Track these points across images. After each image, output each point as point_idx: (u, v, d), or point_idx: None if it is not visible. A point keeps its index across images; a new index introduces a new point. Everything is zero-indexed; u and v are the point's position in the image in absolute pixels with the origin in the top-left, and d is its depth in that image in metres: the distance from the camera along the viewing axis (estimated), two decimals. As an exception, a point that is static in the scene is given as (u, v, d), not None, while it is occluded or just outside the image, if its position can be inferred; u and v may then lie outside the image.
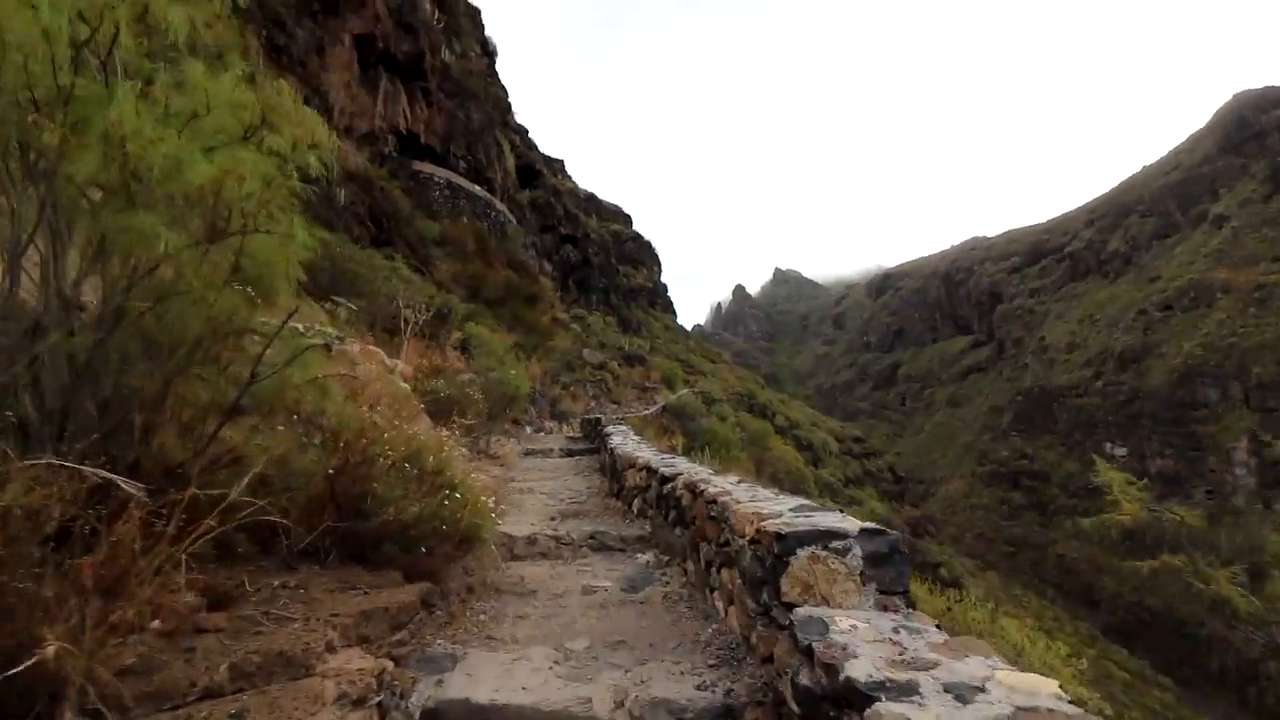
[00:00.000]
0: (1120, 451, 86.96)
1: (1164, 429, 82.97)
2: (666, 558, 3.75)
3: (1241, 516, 73.79)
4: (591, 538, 3.94)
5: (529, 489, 6.17)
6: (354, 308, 8.36)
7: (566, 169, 74.65)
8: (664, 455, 4.83)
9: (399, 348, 10.46)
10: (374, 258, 10.64)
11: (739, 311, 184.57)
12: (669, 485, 3.76)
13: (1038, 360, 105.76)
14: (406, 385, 6.92)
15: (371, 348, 7.08)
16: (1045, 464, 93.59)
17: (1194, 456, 79.89)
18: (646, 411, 21.24)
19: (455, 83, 34.15)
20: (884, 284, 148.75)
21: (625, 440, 6.25)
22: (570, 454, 8.89)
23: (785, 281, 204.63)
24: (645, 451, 5.13)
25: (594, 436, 9.98)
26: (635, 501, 4.66)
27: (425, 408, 7.54)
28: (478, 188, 32.27)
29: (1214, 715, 53.65)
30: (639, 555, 3.79)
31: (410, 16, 29.07)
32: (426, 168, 29.91)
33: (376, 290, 9.31)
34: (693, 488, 3.23)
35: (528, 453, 8.91)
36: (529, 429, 13.85)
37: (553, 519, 4.83)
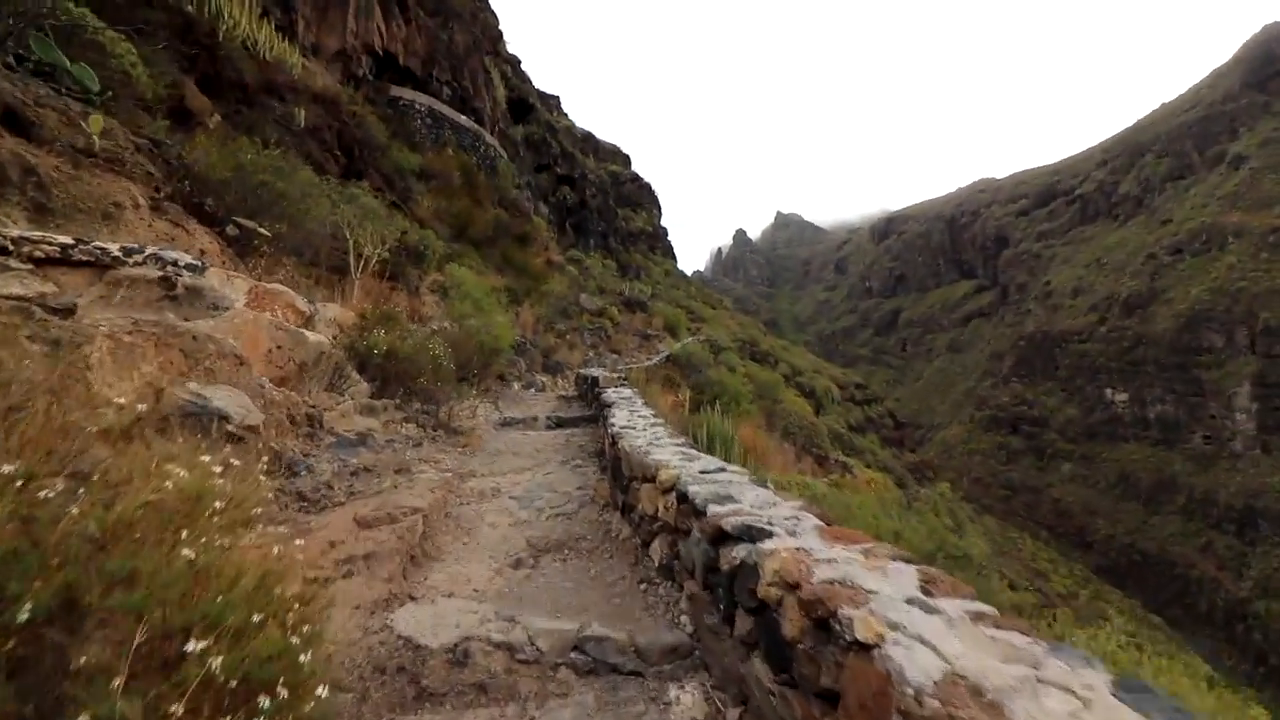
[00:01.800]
0: (1120, 397, 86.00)
1: (1166, 375, 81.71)
2: (727, 699, 1.79)
3: (1239, 460, 73.41)
4: (578, 648, 1.98)
5: (493, 490, 4.17)
6: (266, 234, 6.21)
7: (562, 106, 70.55)
8: (701, 461, 2.81)
9: (347, 289, 8.33)
10: (310, 176, 8.37)
11: (740, 256, 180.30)
12: (734, 553, 1.77)
13: (1041, 305, 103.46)
14: (323, 339, 4.86)
15: (276, 287, 4.97)
16: (1045, 409, 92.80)
17: (1194, 402, 78.90)
18: (649, 362, 19.23)
19: (437, -1, 30.68)
20: (887, 228, 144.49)
21: (632, 420, 4.23)
22: (559, 424, 6.89)
23: (786, 225, 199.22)
24: (665, 450, 3.10)
25: (591, 399, 8.00)
26: (657, 545, 2.67)
27: (358, 369, 5.50)
28: (464, 117, 29.30)
29: (1201, 650, 54.30)
30: (671, 693, 1.82)
31: (382, -82, 25.54)
32: (406, 93, 26.94)
33: (305, 215, 7.11)
34: (816, 606, 1.25)
35: (505, 423, 6.91)
36: (516, 385, 11.85)
37: (515, 566, 2.84)
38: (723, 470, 2.54)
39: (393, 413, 5.62)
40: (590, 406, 7.88)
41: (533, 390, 12.18)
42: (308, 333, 4.72)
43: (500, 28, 50.15)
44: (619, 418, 4.43)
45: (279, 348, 4.20)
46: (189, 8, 16.12)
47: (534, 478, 4.50)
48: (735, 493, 2.18)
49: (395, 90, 26.59)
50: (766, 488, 2.31)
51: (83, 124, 4.79)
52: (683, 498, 2.31)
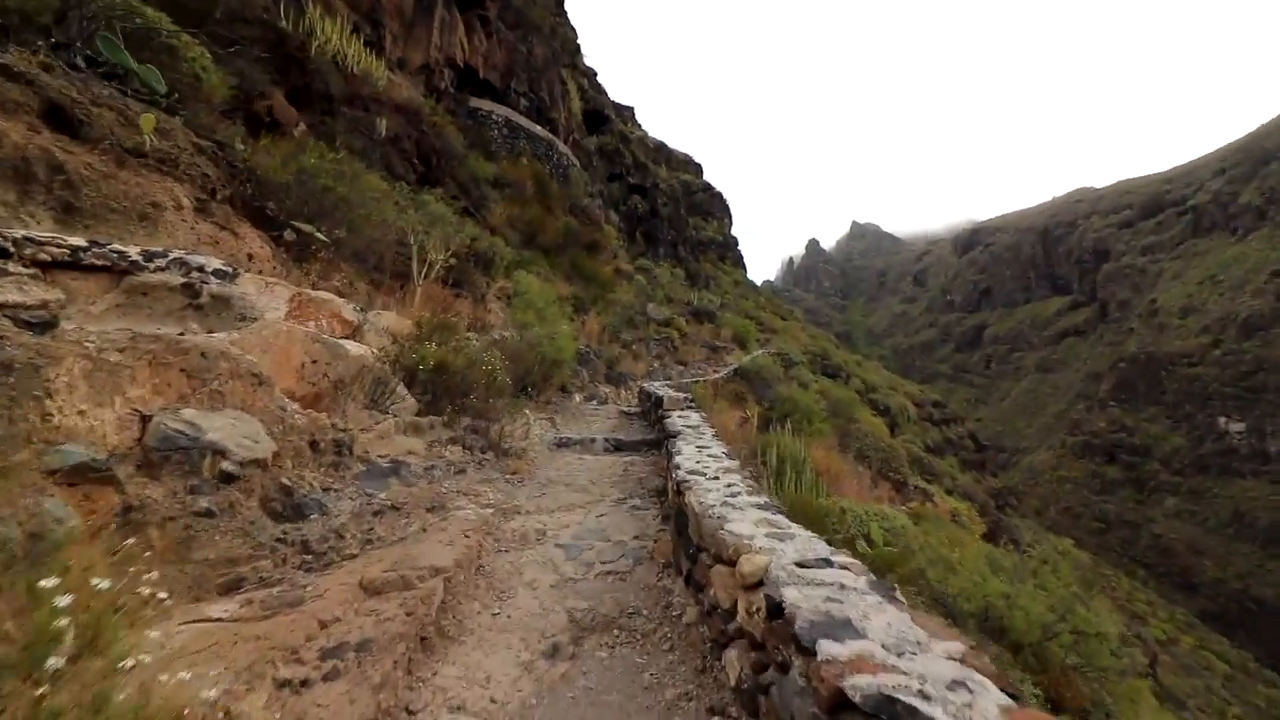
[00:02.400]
0: (1236, 427, 78.14)
1: (1291, 404, 73.63)
2: None
3: (1381, 504, 65.16)
4: None
5: (537, 534, 3.60)
6: (324, 239, 5.94)
7: (636, 117, 70.88)
8: (796, 541, 2.11)
9: (409, 296, 8.06)
10: (377, 182, 8.16)
11: (812, 266, 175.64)
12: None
13: (1145, 325, 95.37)
14: (366, 351, 4.45)
15: (322, 294, 4.62)
16: (1147, 437, 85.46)
17: (1325, 435, 70.60)
18: (717, 375, 18.46)
19: (517, 12, 31.11)
20: (972, 239, 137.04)
21: (701, 462, 3.55)
22: (618, 448, 6.29)
23: (862, 236, 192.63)
24: (745, 517, 2.42)
25: (653, 419, 7.38)
26: (733, 655, 1.99)
27: (406, 383, 5.08)
28: (539, 128, 29.49)
29: None
30: None
31: (466, -66, 26.07)
32: (485, 104, 27.34)
33: (367, 220, 6.83)
34: None
35: (560, 443, 6.37)
36: (577, 397, 11.38)
37: (551, 655, 2.23)
38: (829, 564, 1.84)
39: (440, 431, 5.18)
40: (653, 428, 7.25)
41: (594, 403, 11.69)
42: (349, 344, 4.31)
43: (578, 41, 50.88)
44: (685, 455, 3.77)
45: (313, 362, 3.79)
46: (282, 24, 16.74)
47: (585, 519, 3.89)
48: (855, 612, 1.48)
49: (475, 101, 27.03)
50: (897, 600, 1.60)
51: (139, 123, 4.60)
52: (776, 609, 1.63)
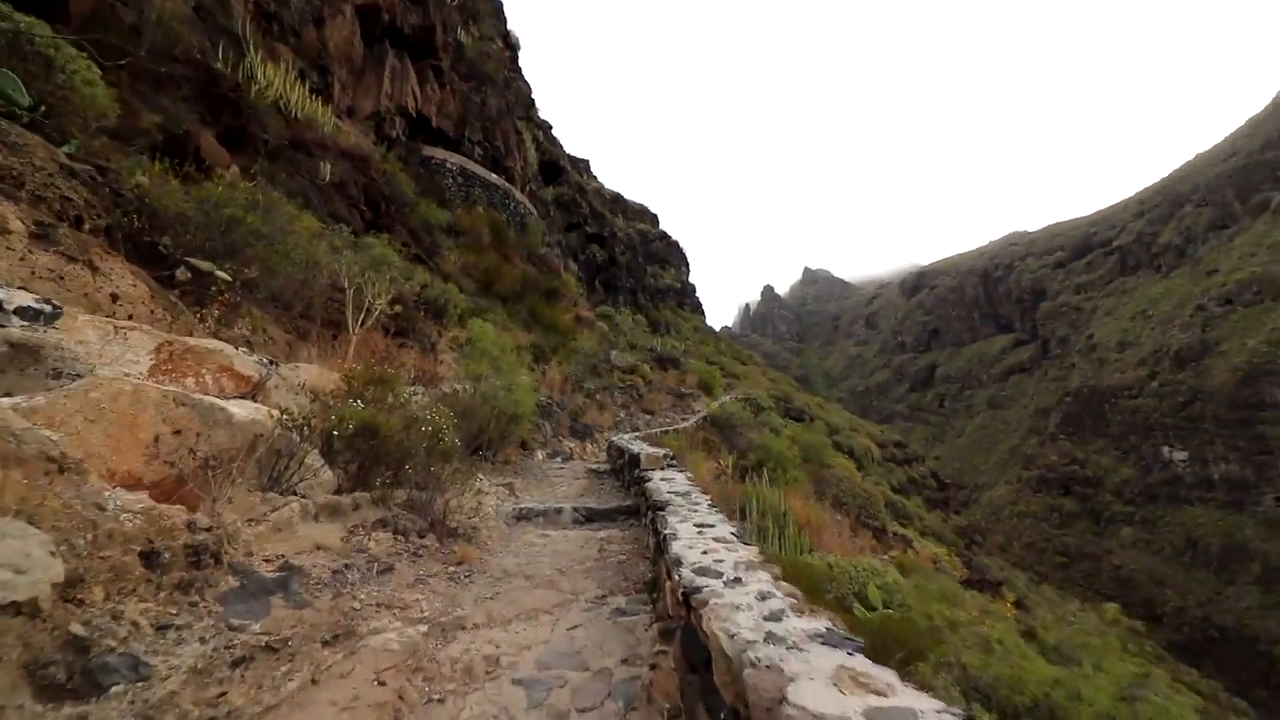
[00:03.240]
0: (1180, 455, 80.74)
1: (1228, 431, 76.73)
2: None
3: (1320, 524, 67.63)
4: None
5: (487, 665, 2.55)
6: (226, 278, 4.90)
7: (591, 169, 71.73)
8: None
9: (342, 346, 6.98)
10: (305, 219, 7.19)
11: (768, 312, 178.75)
12: None
13: (1086, 360, 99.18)
14: (261, 416, 3.40)
15: (208, 343, 3.58)
16: (1098, 469, 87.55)
17: (1262, 460, 73.58)
18: (686, 424, 17.56)
19: (470, 64, 30.98)
20: (918, 282, 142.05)
21: (712, 555, 2.60)
22: (589, 519, 5.26)
23: (815, 281, 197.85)
24: (812, 663, 1.47)
25: (628, 480, 6.40)
26: None
27: (325, 452, 4.01)
28: (494, 176, 28.97)
29: None
30: None
31: (418, -13, 25.93)
32: (438, 153, 26.71)
33: (286, 259, 5.82)
34: None
35: (520, 515, 5.30)
36: (540, 454, 10.29)
37: None
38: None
39: (366, 512, 4.10)
40: (628, 490, 6.27)
41: (559, 460, 10.61)
42: (238, 407, 3.26)
43: (532, 95, 51.37)
44: (682, 539, 2.81)
45: (174, 433, 2.74)
46: (217, 65, 15.79)
47: (554, 634, 2.86)
48: None
49: (428, 150, 26.40)
50: None
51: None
52: None
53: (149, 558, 2.16)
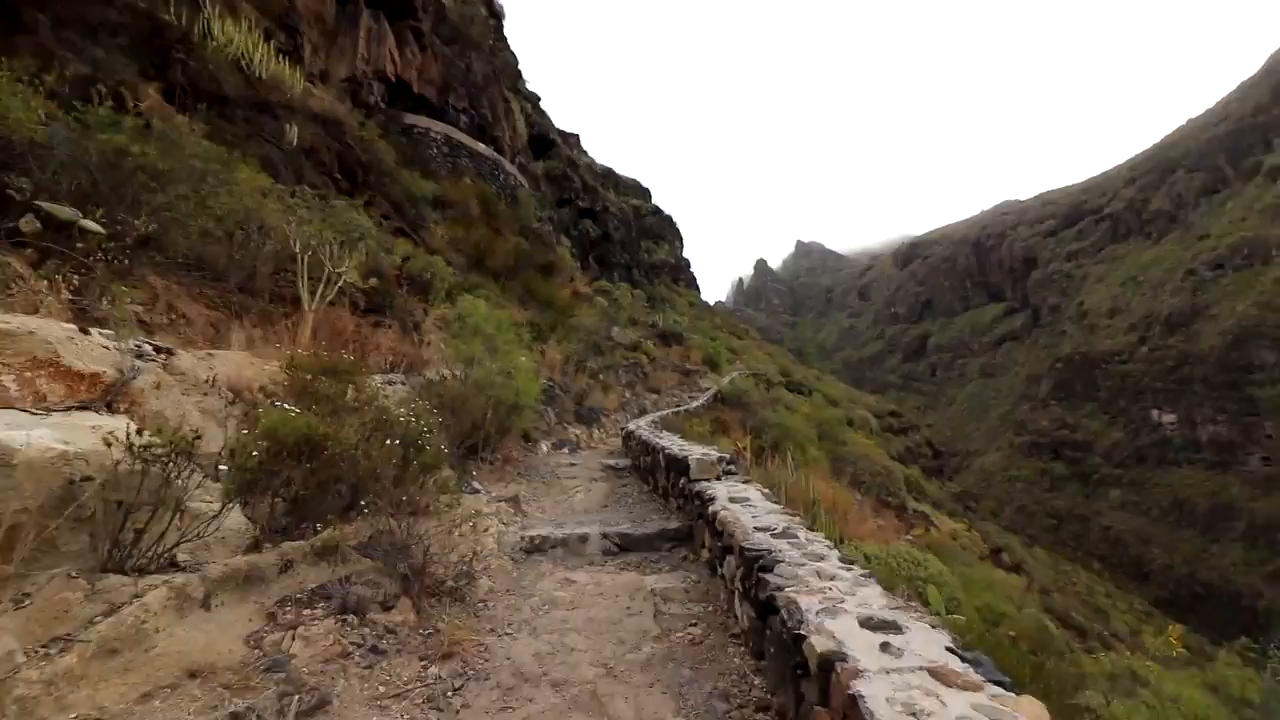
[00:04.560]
0: (1169, 418, 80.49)
1: (1216, 394, 76.37)
2: None
3: (1306, 483, 67.65)
4: None
5: None
6: (98, 230, 3.37)
7: (581, 144, 69.23)
8: None
9: (297, 327, 5.43)
10: (239, 165, 5.58)
11: (761, 286, 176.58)
12: None
13: (1077, 326, 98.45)
14: (77, 446, 1.92)
15: (19, 321, 2.07)
16: (1088, 433, 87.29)
17: (1249, 422, 73.34)
18: (696, 403, 16.17)
19: (453, 28, 28.76)
20: (911, 253, 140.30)
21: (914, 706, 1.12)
22: (623, 548, 3.83)
23: (808, 254, 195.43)
24: None
25: (662, 483, 4.97)
26: None
27: (242, 482, 2.50)
28: (482, 145, 27.02)
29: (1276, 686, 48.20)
30: None
31: (393, -60, 23.68)
32: (421, 121, 24.73)
33: (204, 210, 4.26)
34: None
35: (531, 547, 3.85)
36: (544, 446, 8.83)
37: None
38: None
39: (301, 573, 2.64)
40: (666, 502, 4.83)
41: (566, 450, 9.17)
42: (36, 432, 1.76)
43: (519, 67, 48.86)
44: (876, 693, 1.36)
45: None
46: (167, 16, 13.81)
47: None
48: None
49: (409, 118, 24.42)
50: None
51: None
52: None
53: None
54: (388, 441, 3.21)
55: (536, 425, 8.90)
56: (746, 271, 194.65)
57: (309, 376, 4.00)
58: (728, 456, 4.26)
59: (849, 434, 19.64)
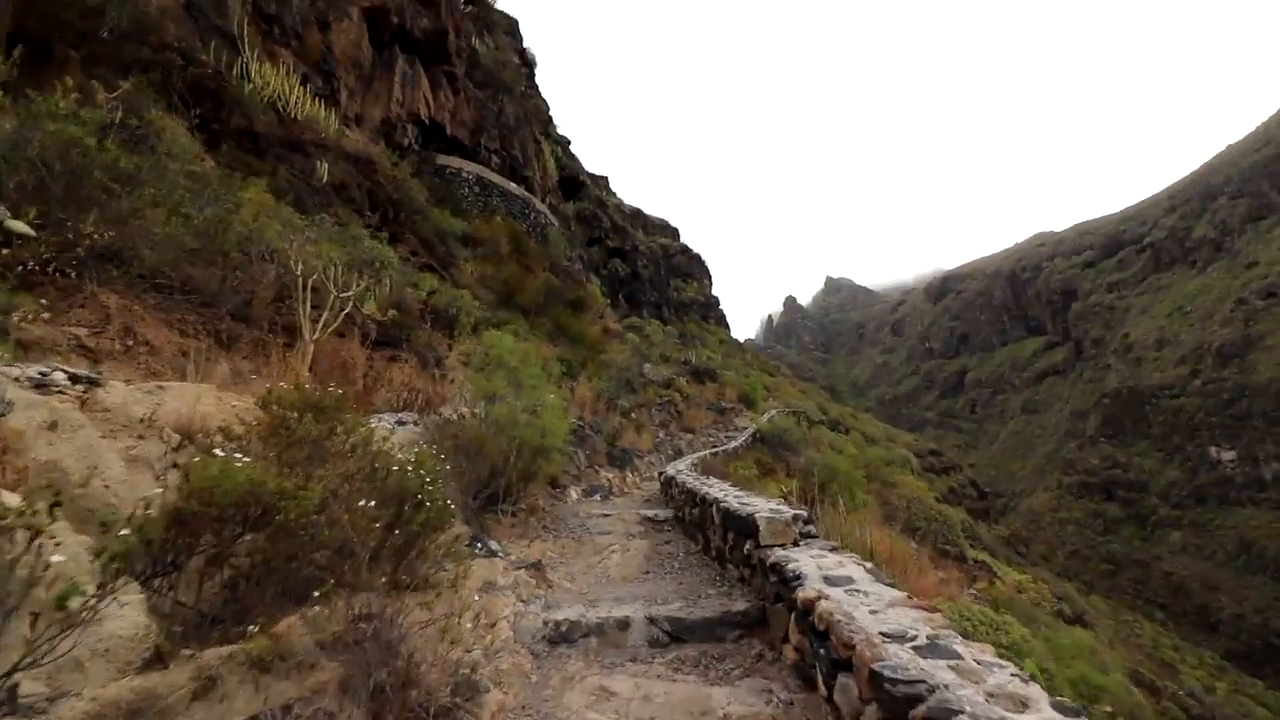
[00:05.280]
0: (1228, 455, 75.77)
1: (1278, 429, 71.76)
2: None
3: (1382, 523, 62.47)
4: None
5: None
6: (25, 232, 2.71)
7: (610, 185, 69.91)
8: None
9: (299, 357, 4.72)
10: (245, 185, 5.00)
11: (791, 323, 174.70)
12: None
13: (1122, 360, 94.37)
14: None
15: None
16: (1142, 472, 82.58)
17: (1316, 457, 68.37)
18: (734, 444, 15.14)
19: (486, 72, 29.22)
20: (943, 287, 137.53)
21: None
22: (675, 636, 2.88)
23: (837, 290, 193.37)
24: None
25: (713, 540, 4.05)
26: None
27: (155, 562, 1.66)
28: (513, 185, 27.01)
29: None
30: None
31: (428, -11, 24.21)
32: (454, 162, 24.83)
33: (180, 219, 3.60)
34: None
35: (557, 637, 2.96)
36: (575, 492, 7.94)
37: None
38: None
39: (228, 693, 1.80)
40: (722, 568, 3.90)
41: (597, 497, 8.27)
42: None
43: (550, 112, 49.75)
44: None
45: None
46: (203, 55, 13.84)
47: None
48: None
49: (442, 159, 24.54)
50: None
51: None
52: None
53: None
54: (362, 503, 2.38)
55: (565, 469, 8.03)
56: (776, 309, 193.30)
57: (294, 414, 3.23)
58: (804, 514, 3.32)
59: (898, 475, 18.26)
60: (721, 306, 79.26)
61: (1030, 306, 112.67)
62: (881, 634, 1.86)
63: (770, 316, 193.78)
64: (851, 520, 8.24)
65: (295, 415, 3.25)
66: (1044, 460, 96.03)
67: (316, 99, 18.21)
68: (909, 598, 2.19)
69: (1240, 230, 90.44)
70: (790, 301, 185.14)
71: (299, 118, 16.32)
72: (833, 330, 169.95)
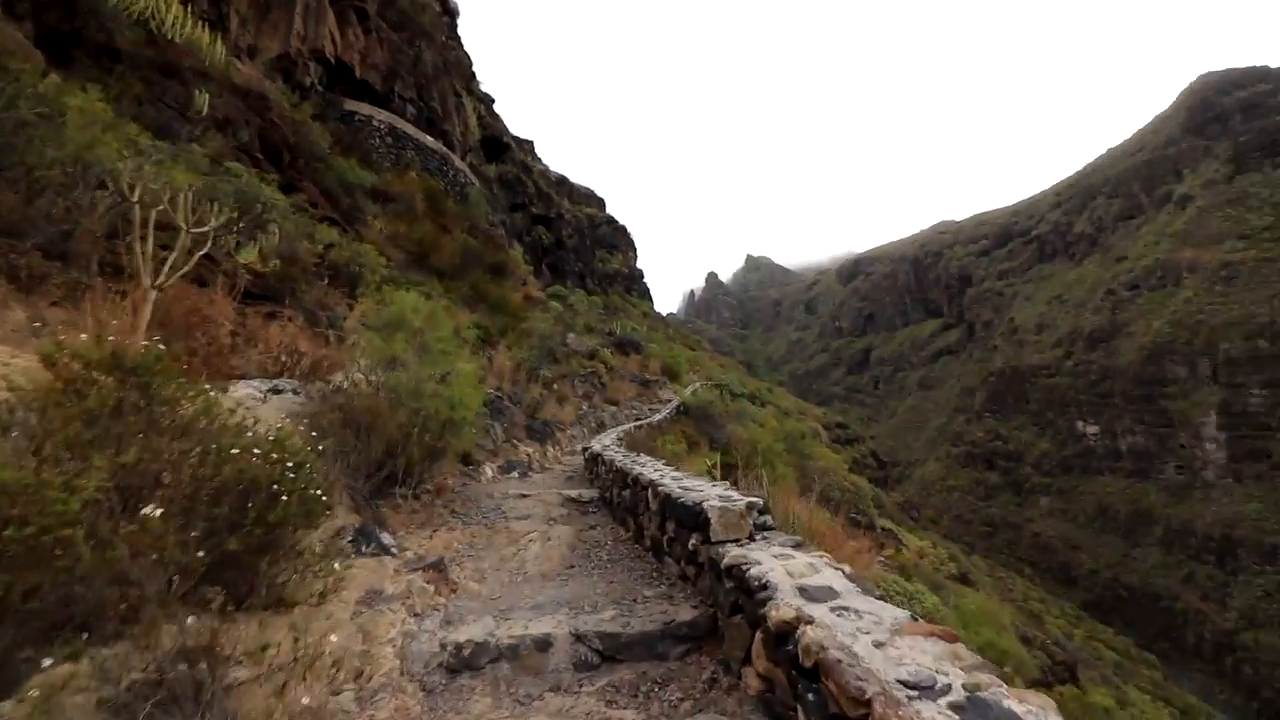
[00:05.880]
0: (1092, 429, 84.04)
1: (1134, 406, 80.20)
2: None
3: (1213, 490, 71.44)
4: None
5: None
6: None
7: (536, 151, 67.24)
8: None
9: (136, 308, 3.71)
10: (73, 91, 3.86)
11: (712, 298, 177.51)
12: None
13: (1008, 341, 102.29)
14: None
15: None
16: (1019, 444, 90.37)
17: (1164, 433, 77.17)
18: (658, 416, 14.77)
19: (402, 14, 26.73)
20: (854, 269, 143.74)
21: None
22: (608, 657, 2.34)
23: (757, 268, 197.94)
24: None
25: (648, 530, 3.54)
26: None
27: None
28: (430, 139, 25.06)
29: (1194, 687, 50.30)
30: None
31: (333, -87, 21.62)
32: (363, 108, 22.65)
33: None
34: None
35: (458, 664, 2.32)
36: (490, 469, 7.22)
37: None
38: None
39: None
40: (659, 560, 3.38)
41: (515, 475, 7.59)
42: None
43: (473, 68, 46.74)
44: None
45: None
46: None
47: None
48: None
49: (350, 104, 22.33)
50: None
51: None
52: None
53: None
54: (143, 510, 1.63)
55: (479, 444, 7.28)
56: (698, 284, 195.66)
57: (99, 376, 2.37)
58: (759, 502, 2.82)
59: (812, 447, 18.62)
60: (645, 280, 78.91)
61: (931, 290, 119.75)
62: (900, 682, 1.36)
63: (693, 291, 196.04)
64: (774, 493, 8.00)
65: (98, 378, 2.39)
66: (935, 433, 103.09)
67: (202, 23, 15.84)
68: (914, 619, 1.71)
69: (1114, 227, 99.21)
70: (712, 277, 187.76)
71: (176, 39, 14.09)
72: (751, 307, 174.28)
